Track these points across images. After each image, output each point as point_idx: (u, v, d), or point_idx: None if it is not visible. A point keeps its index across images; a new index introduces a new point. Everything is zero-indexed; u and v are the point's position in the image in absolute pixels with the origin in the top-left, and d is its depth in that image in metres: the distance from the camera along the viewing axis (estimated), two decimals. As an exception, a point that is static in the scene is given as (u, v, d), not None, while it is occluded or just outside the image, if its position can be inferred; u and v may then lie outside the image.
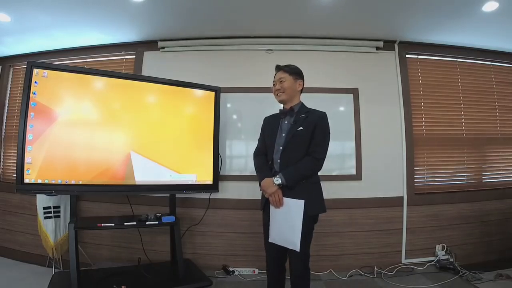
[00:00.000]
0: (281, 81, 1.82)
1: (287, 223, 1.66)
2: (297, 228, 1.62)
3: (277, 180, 1.68)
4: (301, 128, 1.74)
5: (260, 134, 1.99)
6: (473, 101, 3.06)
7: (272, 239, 1.73)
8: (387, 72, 2.97)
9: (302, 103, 1.87)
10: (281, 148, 1.77)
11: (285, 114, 1.85)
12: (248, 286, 2.47)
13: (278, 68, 1.88)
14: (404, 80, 2.95)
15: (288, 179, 1.67)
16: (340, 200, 2.78)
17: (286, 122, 1.83)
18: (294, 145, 1.74)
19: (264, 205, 1.81)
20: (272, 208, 1.73)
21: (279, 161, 1.76)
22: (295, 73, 1.84)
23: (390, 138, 2.89)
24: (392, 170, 2.86)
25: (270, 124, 1.91)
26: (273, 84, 1.87)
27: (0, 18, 2.50)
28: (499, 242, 2.87)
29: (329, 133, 1.79)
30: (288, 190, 1.69)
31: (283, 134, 1.79)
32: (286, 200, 1.68)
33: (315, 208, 1.72)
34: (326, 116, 1.80)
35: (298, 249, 1.62)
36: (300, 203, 1.63)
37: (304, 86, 1.91)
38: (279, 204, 1.68)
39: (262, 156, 1.90)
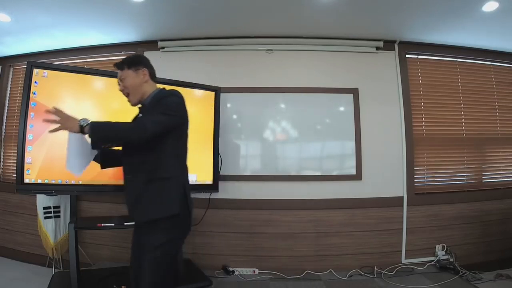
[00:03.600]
0: (121, 79, 1.54)
1: None
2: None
3: (84, 121, 1.33)
4: (140, 115, 1.52)
5: None
6: (473, 101, 3.06)
7: None
8: (387, 72, 2.97)
9: (160, 90, 1.56)
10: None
11: (142, 111, 1.58)
12: (248, 286, 2.47)
13: (115, 66, 1.58)
14: (404, 80, 2.95)
15: (95, 126, 1.31)
16: (340, 200, 2.79)
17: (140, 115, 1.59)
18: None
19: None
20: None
21: (122, 156, 1.51)
22: (133, 63, 1.53)
23: (390, 138, 2.89)
24: (392, 170, 2.86)
25: None
26: (119, 85, 1.58)
27: (0, 18, 2.50)
28: (499, 242, 2.87)
29: (172, 111, 1.44)
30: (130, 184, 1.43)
31: None
32: None
33: (156, 211, 1.38)
34: (173, 94, 1.51)
35: None
36: None
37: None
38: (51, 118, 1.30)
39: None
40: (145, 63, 1.57)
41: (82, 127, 1.32)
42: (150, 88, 1.56)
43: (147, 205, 1.40)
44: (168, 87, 2.45)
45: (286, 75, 2.91)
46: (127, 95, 1.54)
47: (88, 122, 1.32)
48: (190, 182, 2.43)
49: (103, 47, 3.02)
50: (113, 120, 1.46)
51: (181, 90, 2.45)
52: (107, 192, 2.38)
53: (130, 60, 1.55)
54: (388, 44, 2.97)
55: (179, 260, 1.81)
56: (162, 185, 1.42)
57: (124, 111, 2.30)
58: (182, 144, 1.58)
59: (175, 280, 1.44)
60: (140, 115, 1.56)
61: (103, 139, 1.35)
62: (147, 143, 1.38)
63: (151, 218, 1.38)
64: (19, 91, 3.14)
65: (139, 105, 1.58)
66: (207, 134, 2.57)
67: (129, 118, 2.33)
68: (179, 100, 1.51)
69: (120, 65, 1.54)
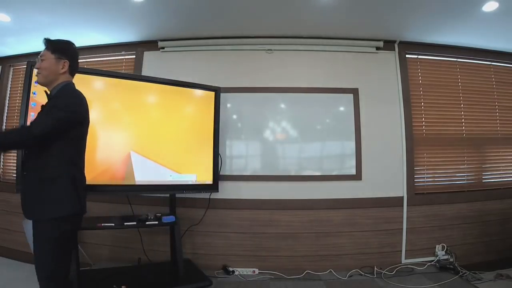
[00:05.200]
0: (41, 59, 1.51)
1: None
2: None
3: None
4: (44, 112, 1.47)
5: None
6: (473, 101, 3.06)
7: None
8: (387, 72, 2.97)
9: (66, 84, 1.53)
10: None
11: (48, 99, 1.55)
12: (248, 286, 2.47)
13: (44, 42, 1.56)
14: (404, 80, 2.95)
15: None
16: (340, 200, 2.79)
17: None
18: None
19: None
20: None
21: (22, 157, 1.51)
22: (59, 51, 1.52)
23: (390, 138, 2.89)
24: (392, 170, 2.86)
25: None
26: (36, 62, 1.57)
27: (0, 18, 2.50)
28: (499, 242, 2.87)
29: (62, 111, 1.42)
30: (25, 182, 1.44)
31: None
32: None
33: (49, 210, 1.39)
34: (69, 95, 1.50)
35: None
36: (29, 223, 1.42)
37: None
38: None
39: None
40: (70, 56, 1.55)
41: None
42: (63, 79, 1.54)
43: (39, 204, 1.40)
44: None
45: (286, 75, 2.91)
46: (38, 73, 1.52)
47: None
48: (190, 182, 2.48)
49: (103, 47, 3.02)
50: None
51: (181, 90, 2.50)
52: (107, 192, 2.38)
53: (58, 45, 1.54)
54: (388, 44, 2.97)
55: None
56: (50, 185, 1.41)
57: (123, 111, 2.32)
58: (75, 144, 1.54)
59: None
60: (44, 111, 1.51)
61: None
62: (40, 143, 1.38)
63: (45, 217, 1.39)
64: (19, 91, 3.14)
65: (46, 91, 1.56)
66: (207, 134, 2.57)
67: (126, 118, 2.34)
68: (73, 100, 1.49)
69: (47, 44, 1.53)
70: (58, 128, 1.41)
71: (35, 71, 1.58)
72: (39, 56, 1.52)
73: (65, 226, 1.42)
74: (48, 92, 1.54)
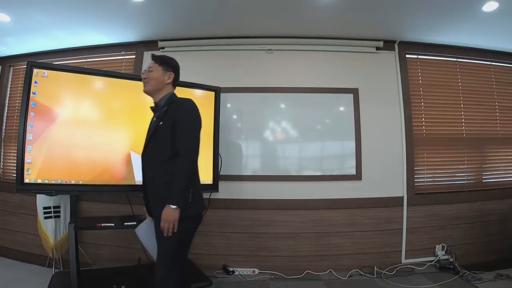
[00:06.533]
0: (149, 70, 1.70)
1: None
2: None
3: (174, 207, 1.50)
4: (161, 123, 1.61)
5: None
6: (473, 101, 3.06)
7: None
8: (387, 72, 2.97)
9: (172, 94, 1.72)
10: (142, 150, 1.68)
11: (154, 110, 1.75)
12: (248, 286, 2.47)
13: (151, 57, 1.76)
14: (404, 80, 2.95)
15: (177, 199, 1.50)
16: (340, 200, 2.79)
17: (154, 119, 1.73)
18: (154, 145, 1.64)
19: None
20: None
21: (141, 165, 1.72)
22: (166, 64, 1.71)
23: (390, 138, 2.89)
24: (392, 170, 2.86)
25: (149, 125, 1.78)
26: (142, 73, 1.76)
27: (0, 18, 2.50)
28: (499, 242, 2.87)
29: (194, 124, 1.64)
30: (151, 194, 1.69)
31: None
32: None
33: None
34: (189, 105, 1.65)
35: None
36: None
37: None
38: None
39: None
40: (175, 69, 1.74)
41: (178, 208, 1.49)
42: (167, 90, 1.71)
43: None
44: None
45: (286, 75, 2.91)
46: (146, 83, 1.70)
47: (174, 205, 1.49)
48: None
49: (103, 47, 3.02)
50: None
51: (181, 90, 2.48)
52: (107, 192, 2.39)
53: (165, 60, 1.73)
54: (388, 44, 2.97)
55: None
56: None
57: (123, 111, 2.31)
58: None
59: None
60: (154, 119, 1.72)
61: (185, 197, 1.53)
62: (171, 148, 1.57)
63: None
64: (19, 91, 3.14)
65: (152, 105, 1.75)
66: (207, 134, 2.56)
67: (127, 118, 2.34)
68: (196, 113, 1.65)
69: (155, 58, 1.73)
70: (199, 141, 1.62)
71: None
72: (147, 68, 1.72)
73: (192, 224, 1.60)
74: (155, 102, 1.72)
